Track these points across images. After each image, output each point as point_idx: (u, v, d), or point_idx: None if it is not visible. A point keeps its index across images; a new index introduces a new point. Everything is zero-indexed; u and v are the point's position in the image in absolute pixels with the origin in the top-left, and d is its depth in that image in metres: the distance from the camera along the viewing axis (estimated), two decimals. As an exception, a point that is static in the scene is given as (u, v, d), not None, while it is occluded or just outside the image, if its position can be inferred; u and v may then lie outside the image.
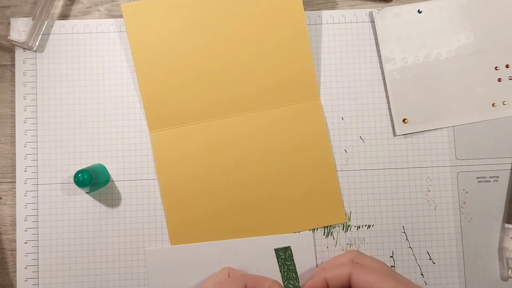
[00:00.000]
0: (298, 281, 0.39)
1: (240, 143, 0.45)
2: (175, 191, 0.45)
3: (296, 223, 0.45)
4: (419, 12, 0.47)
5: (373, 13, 0.47)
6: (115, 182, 0.46)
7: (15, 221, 0.45)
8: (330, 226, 0.46)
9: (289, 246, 0.38)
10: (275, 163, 0.45)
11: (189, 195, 0.45)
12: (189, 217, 0.44)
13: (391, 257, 0.46)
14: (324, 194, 0.45)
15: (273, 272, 0.42)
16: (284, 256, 0.39)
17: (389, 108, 0.47)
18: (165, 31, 0.45)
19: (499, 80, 0.47)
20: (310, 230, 0.45)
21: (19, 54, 0.47)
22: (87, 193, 0.46)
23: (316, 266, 0.42)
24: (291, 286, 0.38)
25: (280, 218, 0.44)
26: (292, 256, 0.39)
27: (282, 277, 0.39)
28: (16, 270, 0.45)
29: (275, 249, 0.39)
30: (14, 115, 0.46)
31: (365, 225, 0.46)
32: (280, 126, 0.45)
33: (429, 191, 0.46)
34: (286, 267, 0.39)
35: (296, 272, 0.39)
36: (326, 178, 0.45)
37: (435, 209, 0.46)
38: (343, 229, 0.46)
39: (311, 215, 0.45)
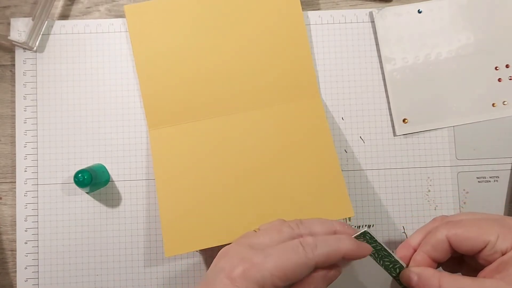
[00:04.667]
0: (393, 256, 0.36)
1: (241, 141, 0.45)
2: (172, 189, 0.44)
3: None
4: (419, 12, 0.47)
5: (373, 13, 0.47)
6: (115, 182, 0.46)
7: (15, 221, 0.45)
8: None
9: (365, 230, 0.36)
10: (277, 161, 0.45)
11: (187, 193, 0.44)
12: (186, 217, 0.44)
13: (391, 257, 0.46)
14: (330, 190, 0.44)
15: None
16: (365, 240, 0.37)
17: (389, 108, 0.47)
18: (166, 30, 0.46)
19: (499, 80, 0.47)
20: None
21: (19, 54, 0.47)
22: (87, 193, 0.46)
23: None
24: (388, 263, 0.36)
25: (284, 217, 0.44)
26: (373, 237, 0.36)
27: (375, 259, 0.37)
28: (16, 270, 0.45)
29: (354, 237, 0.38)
30: (14, 115, 0.46)
31: (365, 225, 0.46)
32: (281, 123, 0.45)
33: (429, 191, 0.46)
34: (374, 250, 0.36)
35: (386, 250, 0.36)
36: (330, 173, 0.44)
37: (435, 209, 0.46)
38: (343, 229, 0.46)
39: (318, 211, 0.44)
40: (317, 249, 0.34)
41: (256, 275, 0.33)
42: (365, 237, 0.36)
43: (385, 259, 0.36)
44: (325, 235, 0.36)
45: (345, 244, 0.35)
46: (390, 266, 0.36)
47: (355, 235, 0.36)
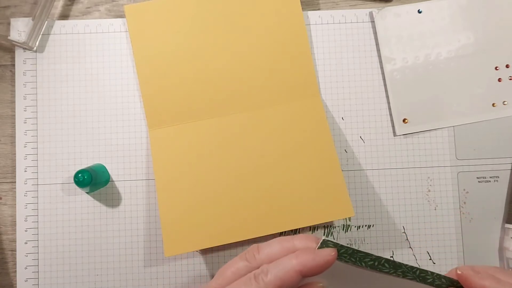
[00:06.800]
0: (372, 254, 0.31)
1: (241, 141, 0.45)
2: (172, 189, 0.44)
3: (302, 220, 0.43)
4: (419, 12, 0.47)
5: (373, 13, 0.47)
6: (115, 182, 0.46)
7: (15, 221, 0.45)
8: (331, 226, 0.46)
9: (324, 239, 0.31)
10: (277, 161, 0.45)
11: (187, 194, 0.44)
12: (186, 217, 0.44)
13: (391, 257, 0.46)
14: (330, 189, 0.44)
15: None
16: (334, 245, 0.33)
17: (389, 108, 0.47)
18: (166, 30, 0.46)
19: (499, 80, 0.47)
20: (310, 231, 0.45)
21: (19, 54, 0.47)
22: (87, 193, 0.46)
23: None
24: (371, 261, 0.31)
25: (284, 217, 0.44)
26: (338, 243, 0.31)
27: (357, 265, 0.32)
28: (16, 270, 0.45)
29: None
30: (14, 115, 0.46)
31: (365, 225, 0.46)
32: (281, 123, 0.45)
33: (429, 191, 0.46)
34: (346, 254, 0.31)
35: (360, 251, 0.31)
36: (331, 173, 0.44)
37: (435, 209, 0.46)
38: (343, 229, 0.46)
39: (318, 211, 0.44)
40: (268, 275, 0.31)
41: None
42: (328, 245, 0.32)
43: (366, 259, 0.32)
44: (283, 256, 0.33)
45: (298, 259, 0.31)
46: (376, 264, 0.32)
47: (317, 246, 0.32)
